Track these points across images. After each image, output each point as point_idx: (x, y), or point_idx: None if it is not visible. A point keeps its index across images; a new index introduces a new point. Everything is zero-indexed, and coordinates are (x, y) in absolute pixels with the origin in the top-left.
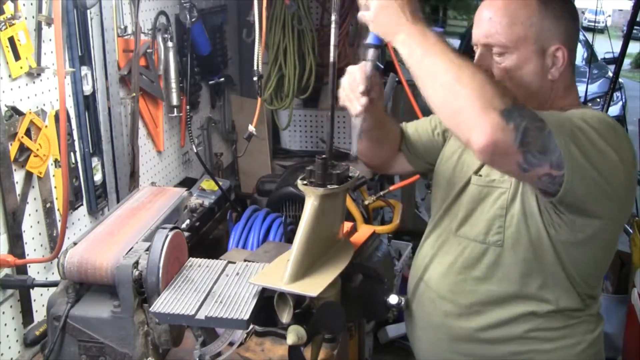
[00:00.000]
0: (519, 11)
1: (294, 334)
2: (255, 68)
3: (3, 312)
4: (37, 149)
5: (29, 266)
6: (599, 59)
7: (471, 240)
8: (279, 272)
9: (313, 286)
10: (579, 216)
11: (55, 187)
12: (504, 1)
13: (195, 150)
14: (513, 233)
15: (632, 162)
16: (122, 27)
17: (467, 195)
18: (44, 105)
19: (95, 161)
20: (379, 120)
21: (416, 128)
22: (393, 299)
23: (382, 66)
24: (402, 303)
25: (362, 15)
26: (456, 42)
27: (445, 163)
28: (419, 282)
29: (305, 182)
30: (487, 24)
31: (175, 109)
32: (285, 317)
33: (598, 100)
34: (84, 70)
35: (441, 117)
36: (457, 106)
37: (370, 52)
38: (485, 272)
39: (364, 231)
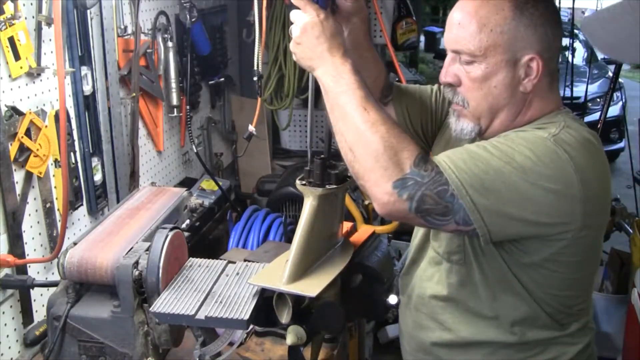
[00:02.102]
0: (490, 17)
1: (293, 334)
2: (255, 68)
3: (3, 312)
4: (37, 149)
5: (29, 266)
6: (599, 59)
7: (440, 255)
8: (278, 273)
9: (312, 286)
10: (527, 242)
11: (55, 187)
12: (475, 5)
13: (195, 150)
14: (471, 252)
15: (594, 180)
16: (122, 27)
17: None
18: (44, 105)
19: (95, 161)
20: (356, 47)
21: (415, 86)
22: (393, 299)
23: None
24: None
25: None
26: None
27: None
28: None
29: (303, 182)
30: (456, 29)
31: (175, 109)
32: (284, 317)
33: (598, 100)
34: (84, 70)
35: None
36: (356, 169)
37: None
38: (450, 290)
39: (364, 231)
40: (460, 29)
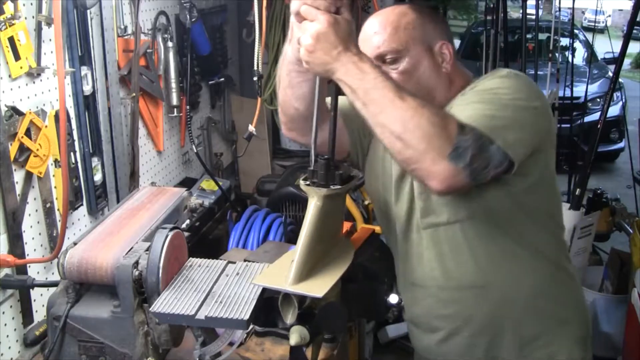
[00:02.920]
0: (400, 19)
1: (297, 335)
2: (255, 68)
3: (3, 312)
4: (37, 149)
5: (29, 266)
6: (599, 59)
7: (443, 224)
8: (282, 273)
9: (318, 287)
10: (525, 164)
11: (55, 187)
12: (383, 16)
13: (195, 150)
14: (477, 205)
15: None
16: (122, 27)
17: (413, 188)
18: (44, 105)
19: (95, 161)
20: None
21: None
22: (393, 298)
23: None
24: (402, 302)
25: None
26: (456, 42)
27: (374, 156)
28: (410, 286)
29: (307, 182)
30: (374, 38)
31: (175, 109)
32: (289, 318)
33: (598, 100)
34: (84, 70)
35: (394, 159)
36: (408, 155)
37: None
38: (468, 251)
39: (364, 231)
40: (378, 35)
